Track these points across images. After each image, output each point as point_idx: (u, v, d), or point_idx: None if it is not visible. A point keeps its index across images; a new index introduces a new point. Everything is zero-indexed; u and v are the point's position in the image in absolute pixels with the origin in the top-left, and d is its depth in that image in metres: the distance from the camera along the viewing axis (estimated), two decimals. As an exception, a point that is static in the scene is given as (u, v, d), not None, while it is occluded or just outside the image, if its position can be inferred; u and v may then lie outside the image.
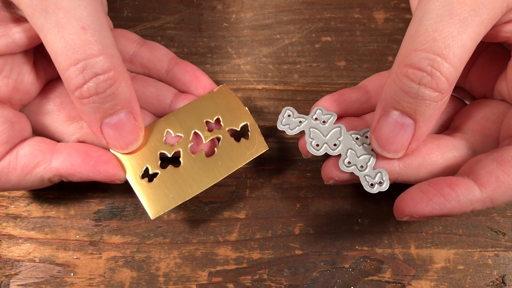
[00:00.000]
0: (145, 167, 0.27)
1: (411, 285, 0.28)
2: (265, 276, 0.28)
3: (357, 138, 0.26)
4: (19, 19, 0.24)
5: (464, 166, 0.24)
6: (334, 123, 0.26)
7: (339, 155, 0.26)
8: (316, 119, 0.27)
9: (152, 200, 0.26)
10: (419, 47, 0.21)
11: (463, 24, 0.21)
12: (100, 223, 0.29)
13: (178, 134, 0.28)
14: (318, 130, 0.26)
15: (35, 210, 0.29)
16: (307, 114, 0.27)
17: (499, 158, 0.23)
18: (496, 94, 0.27)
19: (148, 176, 0.27)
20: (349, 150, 0.26)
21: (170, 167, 0.27)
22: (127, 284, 0.27)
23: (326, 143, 0.26)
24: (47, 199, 0.29)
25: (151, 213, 0.26)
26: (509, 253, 0.28)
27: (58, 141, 0.27)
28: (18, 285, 0.27)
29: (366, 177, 0.25)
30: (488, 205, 0.23)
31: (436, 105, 0.22)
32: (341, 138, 0.26)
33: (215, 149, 0.28)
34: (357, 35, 0.35)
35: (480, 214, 0.29)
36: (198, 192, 0.26)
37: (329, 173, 0.26)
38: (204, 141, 0.28)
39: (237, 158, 0.27)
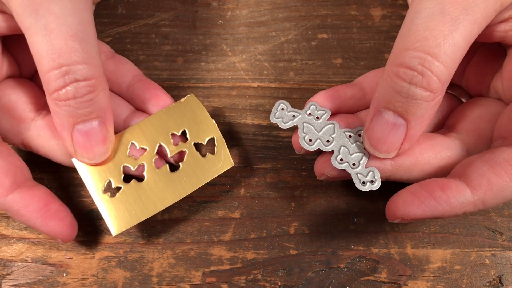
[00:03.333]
0: (107, 181, 0.26)
1: (407, 285, 0.27)
2: (260, 276, 0.27)
3: (350, 136, 0.26)
4: (1, 10, 0.24)
5: (456, 168, 0.24)
6: (327, 120, 0.26)
7: (332, 152, 0.26)
8: (309, 114, 0.26)
9: (114, 216, 0.26)
10: (410, 46, 0.21)
11: (455, 23, 0.21)
12: (93, 223, 0.29)
13: (142, 146, 0.27)
14: (312, 126, 0.26)
15: (28, 209, 0.29)
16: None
17: (490, 160, 0.22)
18: (492, 92, 0.26)
19: (110, 190, 0.26)
20: (342, 147, 0.25)
21: (133, 181, 0.26)
22: (120, 284, 0.27)
23: (319, 139, 0.26)
24: (40, 199, 0.29)
25: (114, 229, 0.26)
26: (506, 253, 0.28)
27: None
28: (10, 285, 0.27)
29: (358, 175, 0.25)
30: (480, 207, 0.22)
31: (428, 105, 0.22)
32: (334, 135, 0.26)
33: (180, 164, 0.27)
34: (354, 32, 0.35)
35: (477, 214, 0.29)
36: (162, 209, 0.26)
37: (322, 169, 0.26)
38: (169, 155, 0.27)
39: (202, 174, 0.27)
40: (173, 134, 0.28)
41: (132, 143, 0.27)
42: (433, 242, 0.28)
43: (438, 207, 0.22)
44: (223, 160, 0.27)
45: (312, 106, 0.27)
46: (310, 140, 0.26)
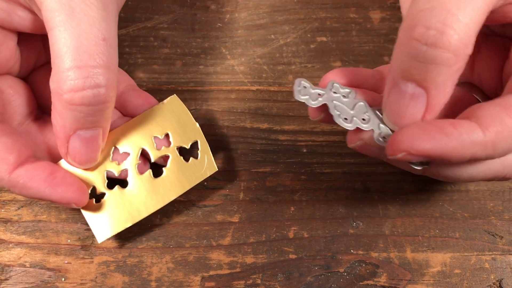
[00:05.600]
0: (91, 187, 0.26)
1: (406, 289, 0.27)
2: (259, 281, 0.27)
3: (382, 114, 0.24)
4: (28, 8, 0.24)
5: (465, 112, 0.22)
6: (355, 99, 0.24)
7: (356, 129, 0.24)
8: (335, 92, 0.24)
9: (99, 223, 0.26)
10: (426, 6, 0.19)
11: None
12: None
13: (125, 151, 0.27)
14: (342, 104, 0.24)
15: (26, 214, 0.29)
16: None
17: (503, 102, 0.21)
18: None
19: (95, 196, 0.26)
20: (381, 125, 0.24)
21: (117, 187, 0.26)
22: (118, 289, 0.27)
23: (355, 117, 0.24)
24: (38, 203, 0.29)
25: (98, 237, 0.26)
26: (506, 257, 0.28)
27: None
28: (8, 290, 0.27)
29: None
30: (489, 151, 0.21)
31: (449, 69, 0.20)
32: (368, 113, 0.24)
33: (163, 169, 0.27)
34: (353, 35, 0.35)
35: (476, 217, 0.29)
36: (146, 215, 0.26)
37: (359, 136, 0.24)
38: (152, 160, 0.27)
39: (185, 179, 0.27)
40: (156, 137, 0.27)
41: (115, 147, 0.27)
42: (432, 246, 0.28)
43: (448, 143, 0.20)
44: (207, 165, 0.27)
45: (335, 85, 0.24)
46: (346, 119, 0.24)
